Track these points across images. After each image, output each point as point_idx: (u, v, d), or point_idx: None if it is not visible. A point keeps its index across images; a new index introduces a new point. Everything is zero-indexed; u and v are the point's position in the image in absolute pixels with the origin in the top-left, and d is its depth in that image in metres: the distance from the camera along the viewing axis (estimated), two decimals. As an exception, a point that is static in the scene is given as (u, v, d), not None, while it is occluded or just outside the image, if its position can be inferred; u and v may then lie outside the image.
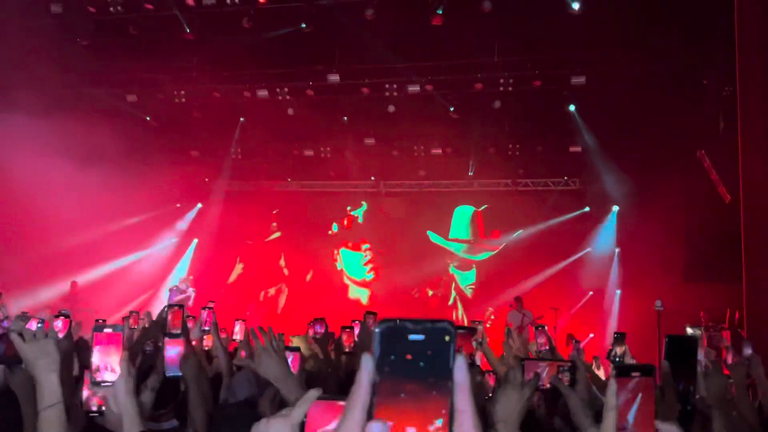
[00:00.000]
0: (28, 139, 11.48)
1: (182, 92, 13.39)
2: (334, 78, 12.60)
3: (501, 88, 12.53)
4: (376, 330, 0.72)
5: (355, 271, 16.48)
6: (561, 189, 14.78)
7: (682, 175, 12.63)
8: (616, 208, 14.29)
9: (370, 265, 16.42)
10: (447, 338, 0.71)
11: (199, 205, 16.52)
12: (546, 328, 4.06)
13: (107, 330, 1.98)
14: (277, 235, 16.57)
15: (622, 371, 1.36)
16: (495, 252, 15.33)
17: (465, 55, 12.04)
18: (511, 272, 14.53)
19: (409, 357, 0.71)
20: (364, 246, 16.48)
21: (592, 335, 13.20)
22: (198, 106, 13.64)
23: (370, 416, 0.70)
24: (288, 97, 13.16)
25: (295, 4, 11.65)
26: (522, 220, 14.83)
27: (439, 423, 0.69)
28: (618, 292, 13.90)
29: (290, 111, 13.40)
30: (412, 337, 0.71)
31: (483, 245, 15.52)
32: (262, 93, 13.06)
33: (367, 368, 0.71)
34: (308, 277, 16.08)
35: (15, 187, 11.83)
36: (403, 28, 11.30)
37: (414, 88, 12.64)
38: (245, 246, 16.50)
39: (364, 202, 16.47)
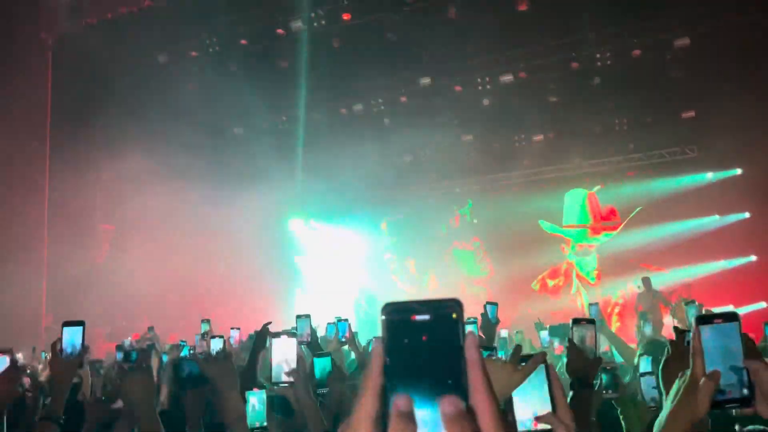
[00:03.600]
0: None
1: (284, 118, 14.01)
2: (426, 81, 12.65)
3: (598, 63, 12.04)
4: (382, 316, 0.70)
5: (470, 268, 16.40)
6: (677, 159, 13.94)
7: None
8: (738, 171, 13.31)
9: (483, 263, 16.28)
10: (454, 315, 0.69)
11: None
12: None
13: (283, 336, 2.18)
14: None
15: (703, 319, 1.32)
16: (615, 233, 14.69)
17: (554, 37, 11.69)
18: (635, 253, 13.87)
19: (417, 338, 0.69)
20: (475, 243, 16.36)
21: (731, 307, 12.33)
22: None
23: (384, 401, 0.67)
24: (383, 107, 13.35)
25: (378, 15, 11.87)
26: (639, 197, 14.13)
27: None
28: (753, 258, 12.96)
29: (386, 121, 13.57)
30: (418, 317, 0.69)
31: (601, 227, 14.93)
32: (358, 108, 13.34)
33: (377, 352, 0.69)
34: (426, 280, 16.14)
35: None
36: (488, 19, 11.17)
37: (507, 78, 12.42)
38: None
39: (469, 200, 16.36)
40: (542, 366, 1.35)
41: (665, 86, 12.33)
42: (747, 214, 13.44)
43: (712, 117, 12.46)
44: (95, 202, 13.35)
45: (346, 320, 4.47)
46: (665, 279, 13.32)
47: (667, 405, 1.31)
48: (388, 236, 16.07)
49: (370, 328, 10.56)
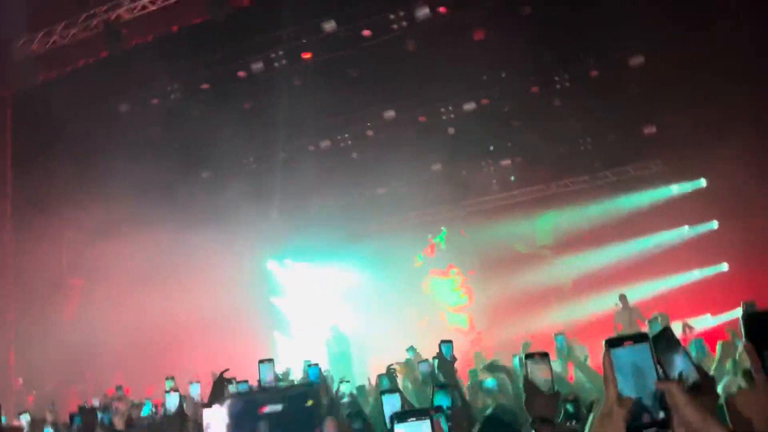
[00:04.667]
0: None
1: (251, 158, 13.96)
2: (390, 114, 12.75)
3: (558, 86, 12.26)
4: (225, 408, 0.65)
5: (449, 297, 16.33)
6: (642, 174, 14.17)
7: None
8: (702, 182, 13.57)
9: (461, 289, 16.24)
10: (309, 402, 0.65)
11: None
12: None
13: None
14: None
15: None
16: (587, 252, 14.78)
17: (513, 63, 11.89)
18: (610, 271, 13.95)
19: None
20: (452, 271, 16.34)
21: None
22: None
23: None
24: (350, 142, 13.40)
25: (338, 52, 11.98)
26: (608, 215, 14.29)
27: None
28: (724, 265, 13.14)
29: (354, 155, 13.60)
30: (268, 408, 0.64)
31: (573, 247, 15.01)
32: (326, 144, 13.37)
33: None
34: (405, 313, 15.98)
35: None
36: (446, 49, 11.34)
37: (470, 106, 12.57)
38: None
39: (443, 228, 16.38)
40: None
41: (625, 104, 12.58)
42: (715, 224, 13.65)
43: (673, 130, 12.73)
44: (62, 258, 13.07)
45: (317, 365, 4.37)
46: (643, 292, 13.40)
47: None
48: (366, 270, 15.94)
49: (341, 367, 10.42)
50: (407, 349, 7.50)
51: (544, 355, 2.35)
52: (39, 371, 11.81)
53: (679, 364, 1.78)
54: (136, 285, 12.25)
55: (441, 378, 4.03)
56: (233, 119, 12.56)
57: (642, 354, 1.24)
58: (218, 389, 3.29)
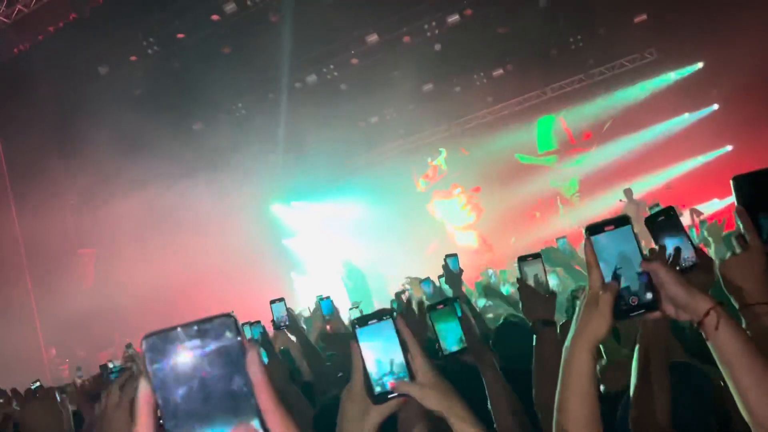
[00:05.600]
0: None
1: (239, 104, 13.70)
2: (373, 38, 12.39)
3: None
4: (143, 348, 0.60)
5: (456, 217, 16.39)
6: (638, 65, 13.86)
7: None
8: (699, 65, 13.28)
9: (468, 207, 16.28)
10: (229, 333, 0.61)
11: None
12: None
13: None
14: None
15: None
16: (590, 152, 14.68)
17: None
18: (614, 167, 13.89)
19: (190, 368, 0.59)
20: (456, 191, 16.33)
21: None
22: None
23: None
24: (336, 74, 13.11)
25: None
26: (607, 111, 14.09)
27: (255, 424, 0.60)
28: (728, 147, 13.04)
29: (343, 87, 13.32)
30: (187, 343, 0.60)
31: (575, 149, 14.91)
32: (312, 79, 13.09)
33: (143, 397, 0.60)
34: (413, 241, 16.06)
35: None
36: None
37: (453, 18, 12.18)
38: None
39: (442, 149, 16.26)
40: (389, 323, 1.18)
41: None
42: (715, 106, 13.45)
43: (664, 16, 12.34)
44: (68, 229, 13.13)
45: (328, 298, 4.41)
46: (648, 185, 13.39)
47: (572, 326, 1.23)
48: (370, 202, 15.94)
49: (361, 300, 10.58)
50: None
51: (537, 256, 2.31)
52: (69, 341, 12.09)
53: (676, 242, 1.76)
54: (146, 244, 12.36)
55: (449, 294, 4.04)
56: (215, 66, 12.27)
57: (624, 238, 1.20)
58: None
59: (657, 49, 13.60)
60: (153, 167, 11.98)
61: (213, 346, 0.61)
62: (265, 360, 3.30)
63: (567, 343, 1.21)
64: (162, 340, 0.61)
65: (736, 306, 1.46)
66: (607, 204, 13.94)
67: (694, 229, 7.32)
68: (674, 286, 1.15)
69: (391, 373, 1.18)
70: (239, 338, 0.62)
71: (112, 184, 12.03)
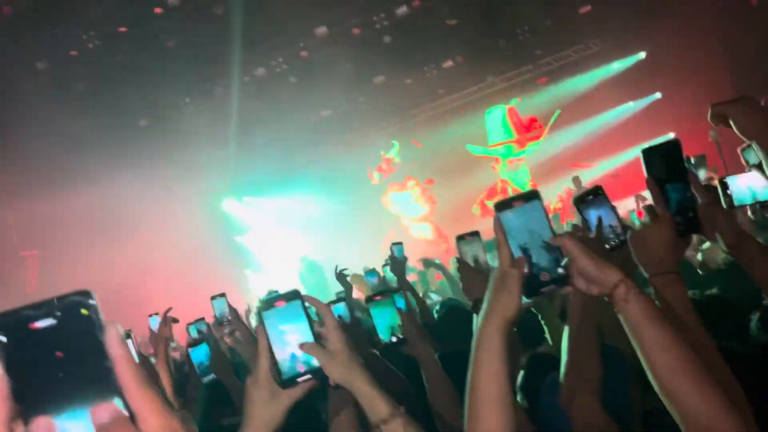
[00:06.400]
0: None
1: (186, 99, 13.42)
2: (322, 30, 12.29)
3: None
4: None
5: (410, 209, 16.45)
6: (584, 55, 14.15)
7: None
8: (642, 55, 13.66)
9: (421, 199, 16.35)
10: (84, 311, 0.59)
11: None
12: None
13: None
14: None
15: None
16: (541, 141, 14.92)
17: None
18: (563, 156, 14.17)
19: (44, 347, 0.57)
20: (410, 183, 16.38)
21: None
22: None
23: None
24: (285, 66, 12.97)
25: None
26: (555, 102, 14.35)
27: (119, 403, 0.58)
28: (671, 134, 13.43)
29: (292, 80, 13.18)
30: (39, 323, 0.58)
31: (526, 139, 15.12)
32: (260, 72, 12.91)
33: None
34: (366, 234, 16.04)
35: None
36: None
37: (402, 10, 12.18)
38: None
39: (394, 141, 16.28)
40: (298, 302, 1.18)
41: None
42: (659, 95, 13.85)
43: (607, 7, 12.61)
44: (8, 230, 12.67)
45: (277, 291, 4.34)
46: (596, 173, 13.70)
47: (483, 305, 1.22)
48: (324, 196, 15.85)
49: (320, 295, 10.45)
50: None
51: (474, 234, 2.31)
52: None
53: (604, 221, 1.78)
54: (92, 243, 12.00)
55: (393, 283, 4.02)
56: (159, 60, 11.97)
57: (533, 212, 1.18)
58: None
59: (601, 39, 13.91)
60: (98, 165, 11.65)
61: (67, 324, 0.59)
62: (209, 356, 3.25)
63: (477, 322, 1.20)
64: (11, 321, 0.58)
65: (646, 276, 1.48)
66: (557, 192, 14.24)
67: (635, 214, 7.52)
68: (583, 259, 1.15)
69: (301, 356, 1.16)
70: (96, 316, 0.60)
71: (54, 183, 11.62)
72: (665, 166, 1.54)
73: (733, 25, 11.58)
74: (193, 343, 3.33)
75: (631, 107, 14.07)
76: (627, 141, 13.71)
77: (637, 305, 1.12)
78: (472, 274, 2.12)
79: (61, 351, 0.58)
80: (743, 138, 1.56)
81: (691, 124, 12.64)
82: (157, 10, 11.42)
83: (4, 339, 0.58)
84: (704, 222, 1.52)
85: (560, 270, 1.18)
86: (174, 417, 0.59)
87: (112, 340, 0.60)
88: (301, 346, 1.16)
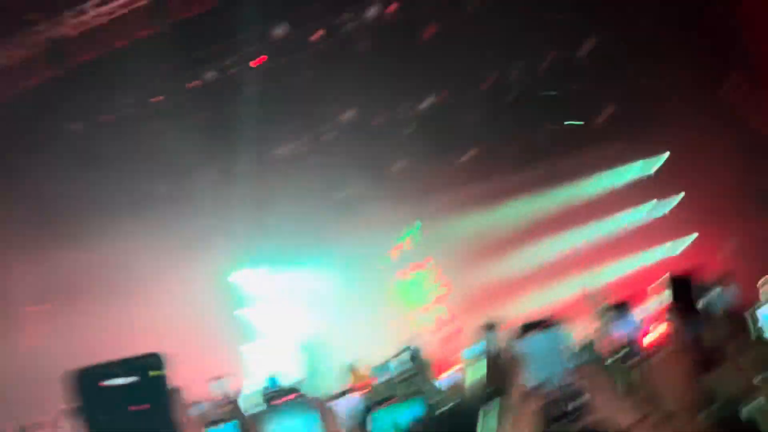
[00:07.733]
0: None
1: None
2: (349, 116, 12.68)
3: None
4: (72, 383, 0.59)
5: (423, 293, 16.31)
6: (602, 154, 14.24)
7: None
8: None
9: (438, 282, 16.23)
10: (155, 373, 0.59)
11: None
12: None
13: None
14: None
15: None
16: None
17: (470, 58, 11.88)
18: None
19: (116, 405, 0.58)
20: (428, 264, 16.32)
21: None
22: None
23: None
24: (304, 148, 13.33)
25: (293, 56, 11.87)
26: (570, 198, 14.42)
27: None
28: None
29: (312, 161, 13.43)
30: (117, 381, 0.59)
31: (542, 234, 15.02)
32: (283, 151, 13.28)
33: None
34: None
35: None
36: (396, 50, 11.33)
37: (426, 103, 12.56)
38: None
39: (417, 222, 16.31)
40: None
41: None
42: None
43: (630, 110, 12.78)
44: (19, 285, 12.92)
45: (275, 376, 4.31)
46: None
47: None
48: (336, 273, 15.78)
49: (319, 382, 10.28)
50: None
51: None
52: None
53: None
54: (95, 301, 12.17)
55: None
56: (188, 133, 12.37)
57: (555, 339, 1.16)
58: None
59: (624, 141, 14.00)
60: (120, 226, 11.89)
61: (139, 381, 0.60)
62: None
63: None
64: (89, 375, 0.60)
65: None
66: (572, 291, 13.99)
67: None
68: (604, 392, 1.10)
69: None
70: (164, 373, 0.61)
71: (43, 241, 11.94)
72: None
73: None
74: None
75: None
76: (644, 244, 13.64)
77: None
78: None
79: (132, 405, 0.59)
80: None
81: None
82: (189, 85, 11.94)
83: (79, 392, 0.59)
84: None
85: (578, 398, 1.13)
86: None
87: (177, 406, 0.59)
88: None
